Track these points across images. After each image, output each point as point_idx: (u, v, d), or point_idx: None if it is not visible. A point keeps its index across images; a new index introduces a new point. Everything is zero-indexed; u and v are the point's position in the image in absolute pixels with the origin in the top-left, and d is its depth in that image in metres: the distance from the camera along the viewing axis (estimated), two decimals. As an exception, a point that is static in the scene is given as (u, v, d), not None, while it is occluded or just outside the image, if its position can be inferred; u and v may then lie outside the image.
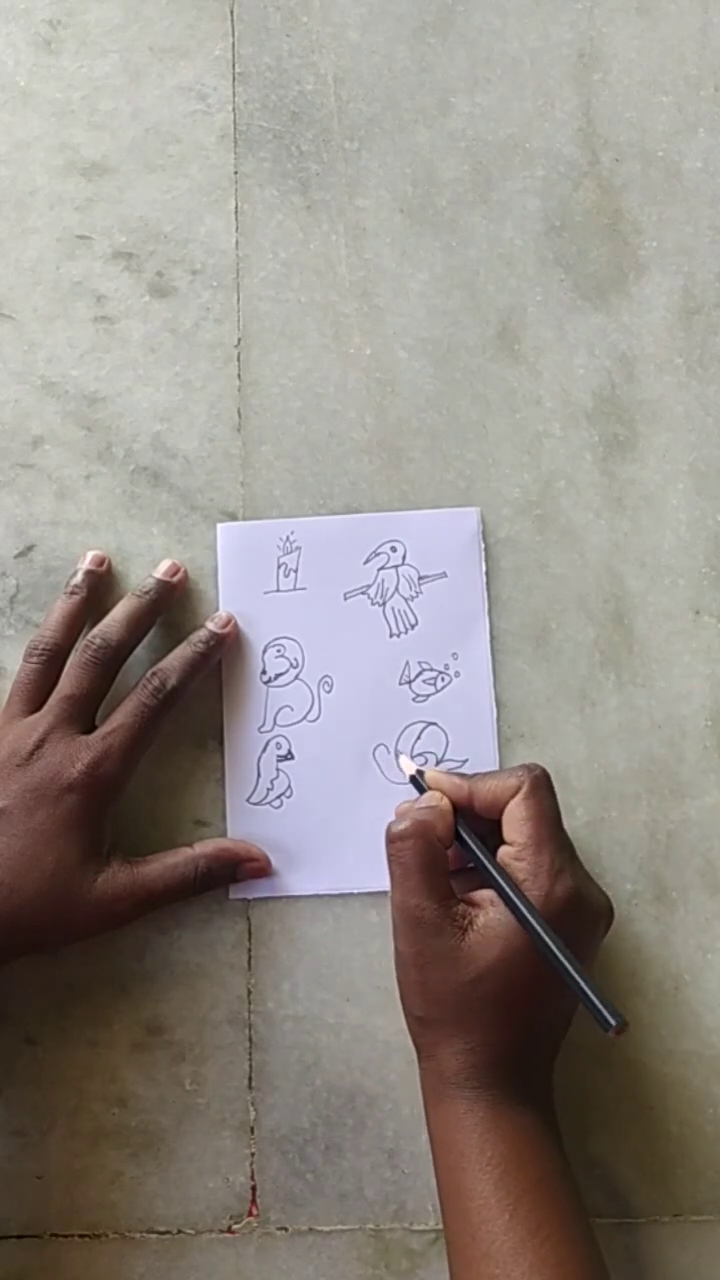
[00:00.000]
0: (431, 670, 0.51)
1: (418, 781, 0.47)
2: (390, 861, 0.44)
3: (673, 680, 0.51)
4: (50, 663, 0.49)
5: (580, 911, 0.43)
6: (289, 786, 0.50)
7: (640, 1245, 0.47)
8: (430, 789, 0.46)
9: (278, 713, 0.51)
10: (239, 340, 0.54)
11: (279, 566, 0.52)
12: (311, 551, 0.52)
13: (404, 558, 0.52)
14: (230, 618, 0.51)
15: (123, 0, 0.57)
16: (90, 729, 0.48)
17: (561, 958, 0.41)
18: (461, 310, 0.54)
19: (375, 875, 0.49)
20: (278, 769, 0.50)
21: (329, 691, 0.51)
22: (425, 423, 0.53)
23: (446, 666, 0.51)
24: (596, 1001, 0.40)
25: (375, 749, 0.50)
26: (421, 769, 0.48)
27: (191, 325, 0.54)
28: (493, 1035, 0.42)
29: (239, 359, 0.54)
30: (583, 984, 0.40)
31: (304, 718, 0.51)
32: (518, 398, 0.53)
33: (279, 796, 0.50)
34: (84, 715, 0.48)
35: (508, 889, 0.42)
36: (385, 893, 0.49)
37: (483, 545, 0.52)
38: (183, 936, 0.49)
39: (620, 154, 0.55)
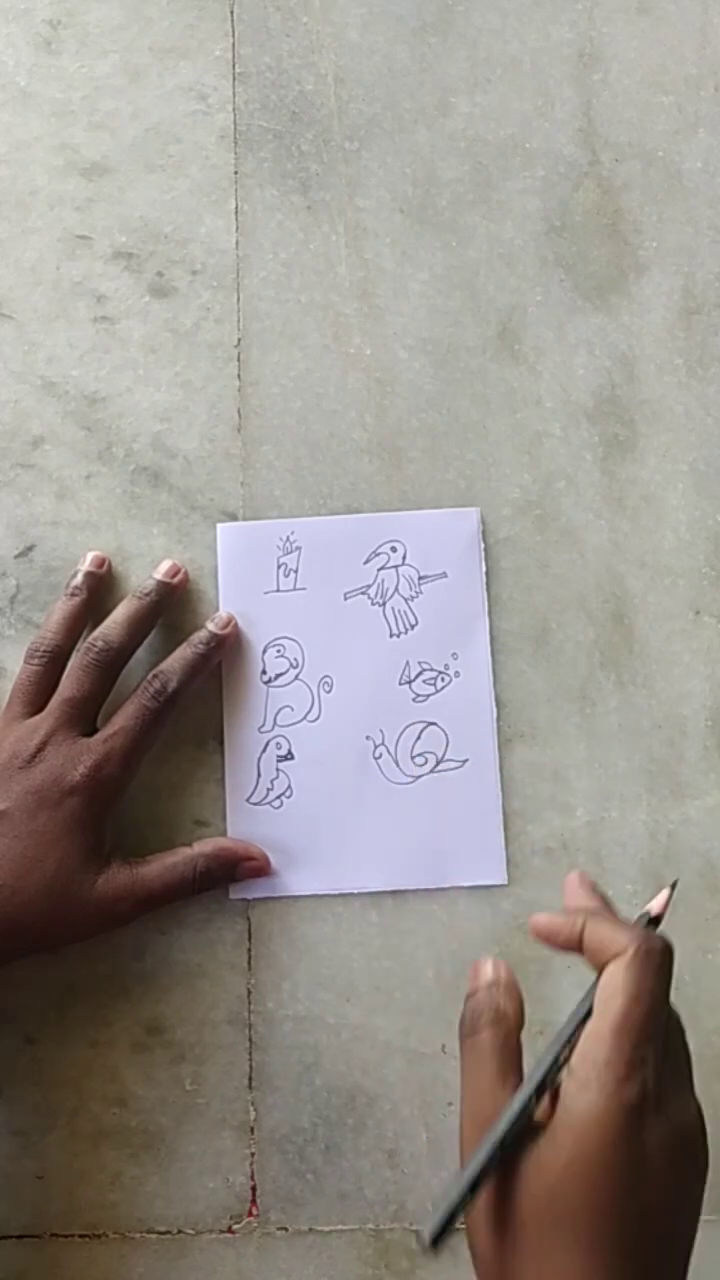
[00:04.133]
0: (431, 670, 0.51)
1: (655, 919, 0.39)
2: (464, 1052, 0.37)
3: (673, 680, 0.51)
4: (51, 665, 0.49)
5: (658, 1133, 0.33)
6: (289, 786, 0.50)
7: (640, 1245, 0.47)
8: (577, 905, 0.39)
9: (278, 713, 0.51)
10: (239, 340, 0.54)
11: (279, 566, 0.52)
12: (311, 551, 0.52)
13: (404, 558, 0.52)
14: (230, 618, 0.51)
15: (123, 0, 0.57)
16: (92, 731, 0.48)
17: (473, 1164, 0.32)
18: (461, 310, 0.54)
19: (375, 875, 0.49)
20: (278, 769, 0.50)
21: (329, 691, 0.51)
22: (425, 423, 0.53)
23: (446, 666, 0.51)
24: (437, 1214, 0.32)
25: (375, 749, 0.50)
26: (657, 907, 0.39)
27: (191, 325, 0.54)
28: (579, 1266, 0.32)
29: (239, 359, 0.54)
30: (451, 1200, 0.32)
31: (304, 718, 0.51)
32: (518, 398, 0.53)
33: (279, 796, 0.50)
34: (85, 718, 0.48)
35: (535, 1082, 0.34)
36: (385, 893, 0.49)
37: (483, 545, 0.52)
38: (183, 936, 0.49)
39: (620, 154, 0.55)
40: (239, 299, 0.54)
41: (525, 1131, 0.34)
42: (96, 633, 0.49)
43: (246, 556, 0.52)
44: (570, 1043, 0.35)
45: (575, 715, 0.51)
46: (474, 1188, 0.32)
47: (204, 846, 0.48)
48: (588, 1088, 0.33)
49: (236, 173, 0.55)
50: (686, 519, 0.52)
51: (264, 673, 0.51)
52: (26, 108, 0.56)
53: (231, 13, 0.57)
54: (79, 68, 0.56)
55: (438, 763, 0.50)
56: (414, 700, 0.51)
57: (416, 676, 0.51)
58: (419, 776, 0.50)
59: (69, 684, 0.48)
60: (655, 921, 0.39)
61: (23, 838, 0.45)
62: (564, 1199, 0.32)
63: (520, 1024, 0.37)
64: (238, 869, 0.49)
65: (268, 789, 0.50)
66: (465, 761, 0.50)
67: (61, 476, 0.53)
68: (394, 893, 0.49)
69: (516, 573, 0.52)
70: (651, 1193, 0.33)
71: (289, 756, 0.50)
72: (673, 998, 0.35)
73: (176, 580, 0.51)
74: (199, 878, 0.48)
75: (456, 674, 0.51)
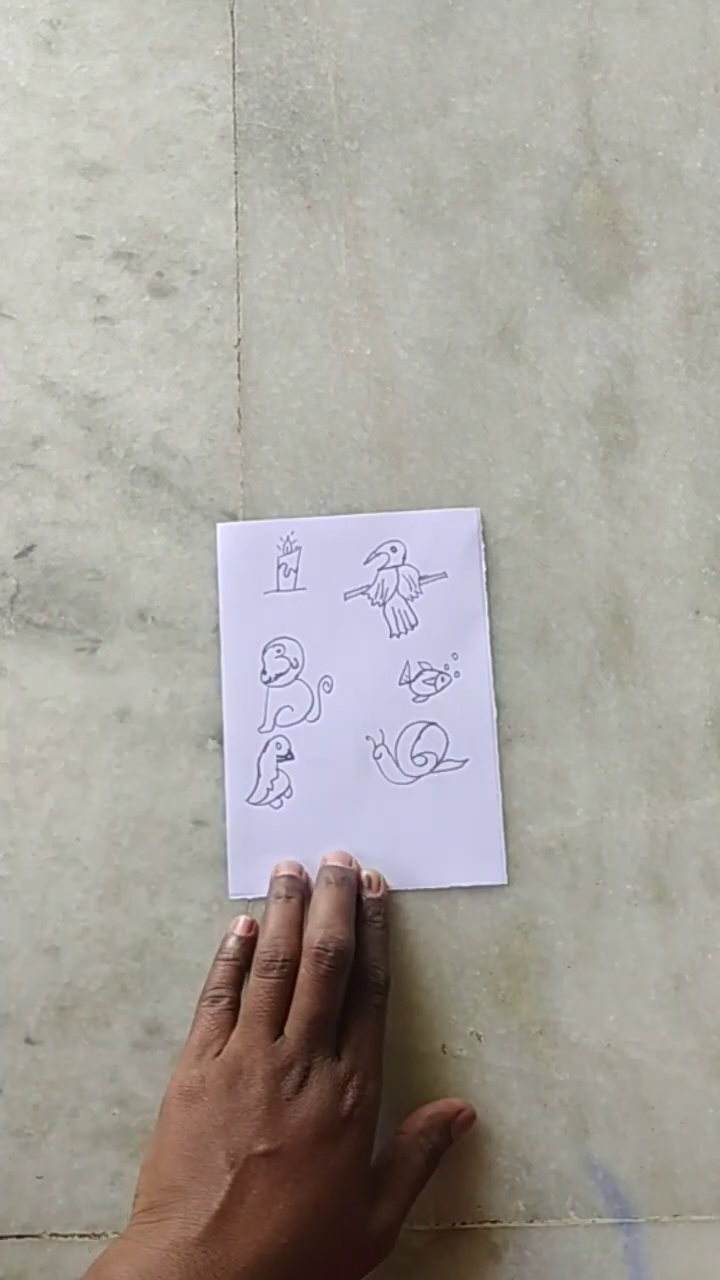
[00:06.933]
0: (431, 670, 0.51)
1: None
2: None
3: (673, 680, 0.51)
4: (291, 976, 0.45)
5: None
6: (289, 786, 0.50)
7: (640, 1245, 0.47)
8: None
9: (278, 713, 0.51)
10: (239, 340, 0.54)
11: (279, 566, 0.52)
12: (311, 551, 0.52)
13: (404, 558, 0.52)
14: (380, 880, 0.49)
15: (123, 0, 0.57)
16: (335, 1046, 0.45)
17: None
18: (461, 310, 0.54)
19: (375, 875, 0.49)
20: (278, 769, 0.50)
21: (329, 691, 0.51)
22: (425, 423, 0.53)
23: (446, 666, 0.51)
24: None
25: (375, 749, 0.50)
26: None
27: (191, 325, 0.54)
28: None
29: (239, 359, 0.54)
30: None
31: (304, 718, 0.51)
32: (518, 398, 0.53)
33: (279, 796, 0.50)
34: (332, 1035, 0.45)
35: None
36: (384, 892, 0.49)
37: (483, 545, 0.52)
38: (183, 936, 0.49)
39: (620, 154, 0.55)
40: (239, 299, 0.54)
41: None
42: (322, 937, 0.45)
43: (246, 556, 0.52)
44: None
45: (575, 715, 0.51)
46: None
47: (415, 1124, 0.46)
48: None
49: (236, 173, 0.55)
50: (686, 519, 0.52)
51: (264, 673, 0.51)
52: (26, 108, 0.56)
53: (231, 13, 0.57)
54: (79, 68, 0.56)
55: (438, 763, 0.50)
56: (414, 700, 0.51)
57: (416, 676, 0.51)
58: (419, 776, 0.50)
59: (313, 1001, 0.44)
60: None
61: (302, 1180, 0.41)
62: None
63: None
64: (453, 1127, 0.47)
65: (268, 789, 0.50)
66: (465, 761, 0.50)
67: (61, 476, 0.53)
68: (394, 893, 0.49)
69: (516, 573, 0.52)
70: None
71: (289, 756, 0.50)
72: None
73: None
74: (432, 1153, 0.46)
75: (456, 674, 0.51)
